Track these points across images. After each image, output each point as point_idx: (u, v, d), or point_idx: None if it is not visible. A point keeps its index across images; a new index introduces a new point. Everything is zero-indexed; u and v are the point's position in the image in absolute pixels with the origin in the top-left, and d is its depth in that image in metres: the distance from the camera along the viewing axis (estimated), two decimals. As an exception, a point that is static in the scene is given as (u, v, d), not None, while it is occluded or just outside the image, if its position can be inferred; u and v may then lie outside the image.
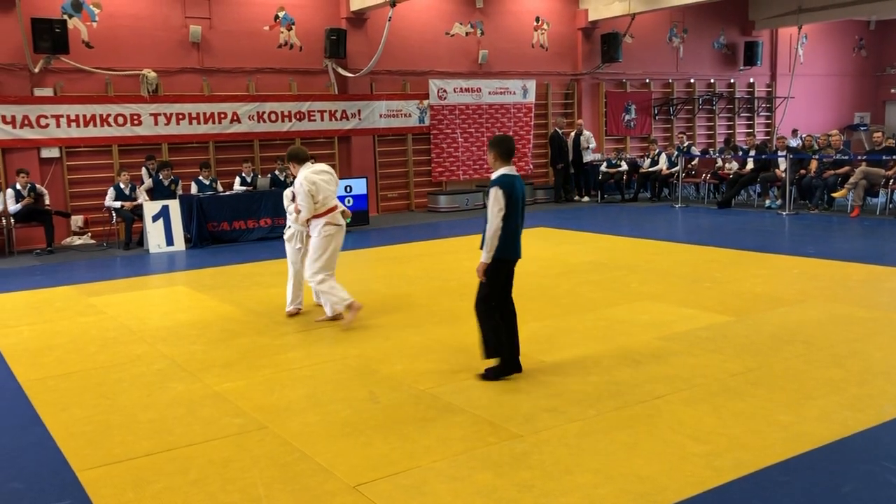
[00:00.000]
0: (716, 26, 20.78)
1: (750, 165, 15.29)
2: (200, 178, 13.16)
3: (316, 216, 6.92)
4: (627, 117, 19.40)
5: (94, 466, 4.14)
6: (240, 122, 14.26)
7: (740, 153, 16.40)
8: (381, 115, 15.86)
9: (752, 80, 21.61)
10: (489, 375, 5.32)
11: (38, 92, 12.69)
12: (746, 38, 21.20)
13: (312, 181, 6.84)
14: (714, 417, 4.52)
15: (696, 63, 20.53)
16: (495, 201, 5.13)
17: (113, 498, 3.77)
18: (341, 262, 10.73)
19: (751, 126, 21.72)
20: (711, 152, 17.66)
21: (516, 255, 5.33)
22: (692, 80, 20.45)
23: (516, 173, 5.35)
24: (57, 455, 4.32)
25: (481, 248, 5.25)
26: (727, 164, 15.86)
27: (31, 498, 3.81)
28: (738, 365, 5.46)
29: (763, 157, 15.17)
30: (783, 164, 14.16)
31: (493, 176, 5.31)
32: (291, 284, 7.43)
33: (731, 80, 21.24)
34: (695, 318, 6.74)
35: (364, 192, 13.87)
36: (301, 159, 7.05)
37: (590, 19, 18.15)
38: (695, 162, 16.72)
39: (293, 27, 14.89)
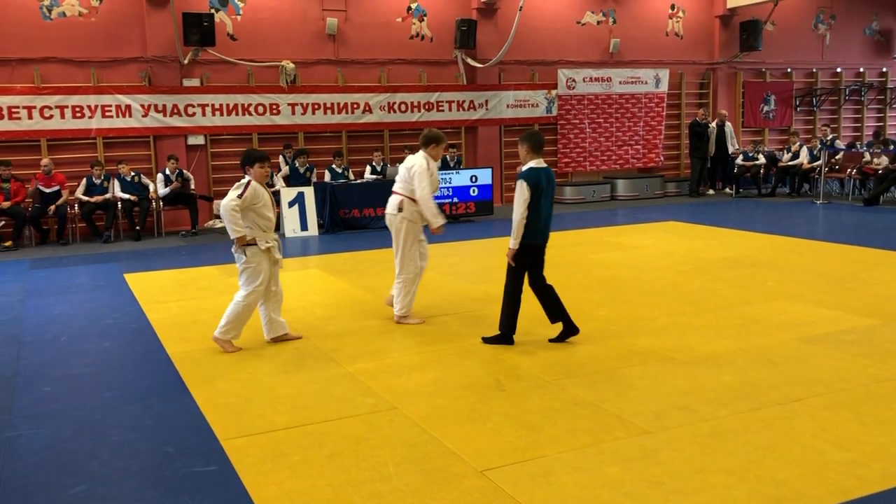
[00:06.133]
0: (868, 11, 19.49)
1: (902, 160, 14.30)
2: (333, 166, 13.60)
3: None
4: (766, 108, 18.53)
5: (236, 436, 4.39)
6: (371, 112, 14.61)
7: (891, 147, 15.34)
8: (508, 106, 15.85)
9: (906, 69, 20.17)
10: (489, 340, 6.03)
11: (186, 82, 13.46)
12: (902, 23, 19.80)
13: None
14: (858, 424, 4.29)
15: (843, 51, 19.34)
16: (520, 193, 5.74)
17: (254, 467, 3.99)
18: (467, 252, 10.88)
19: (904, 118, 20.29)
20: (858, 146, 16.62)
21: (540, 240, 5.92)
22: (839, 70, 19.29)
23: (544, 166, 5.84)
24: (203, 424, 4.61)
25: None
26: (875, 159, 14.89)
27: (183, 461, 4.09)
28: (885, 371, 5.15)
29: (917, 151, 14.14)
30: (940, 159, 13.15)
31: (522, 169, 5.87)
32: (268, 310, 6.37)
33: (884, 69, 19.88)
34: (837, 320, 6.40)
35: (489, 182, 13.92)
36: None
37: (728, 6, 17.44)
38: (839, 156, 15.80)
39: (425, 18, 15.10)
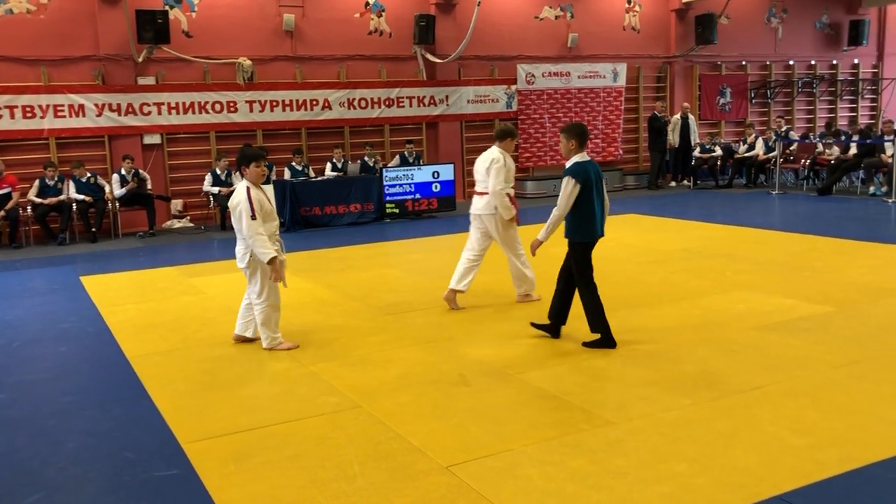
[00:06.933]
0: (818, 5, 19.87)
1: (853, 150, 14.61)
2: (293, 163, 13.48)
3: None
4: (722, 101, 18.80)
5: (197, 439, 4.32)
6: (331, 108, 14.50)
7: (843, 138, 15.68)
8: (468, 101, 15.85)
9: (856, 61, 20.58)
10: (590, 345, 5.67)
11: (141, 81, 13.22)
12: (852, 16, 20.19)
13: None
14: (816, 410, 4.37)
15: (795, 44, 19.69)
16: (567, 190, 5.56)
17: (216, 469, 3.93)
18: (430, 248, 10.87)
19: (854, 109, 20.72)
20: (811, 137, 16.95)
21: (595, 236, 5.68)
22: (791, 62, 19.63)
23: (588, 159, 5.67)
24: (163, 427, 4.53)
25: (565, 236, 5.77)
26: (828, 150, 15.21)
27: (143, 466, 4.01)
28: (841, 357, 5.25)
29: (868, 141, 14.47)
30: (890, 148, 13.47)
31: (568, 164, 5.68)
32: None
33: (834, 62, 20.28)
34: (794, 309, 6.52)
35: (451, 177, 13.90)
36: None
37: (683, 0, 17.66)
38: (793, 147, 16.09)
39: (383, 14, 15.02)
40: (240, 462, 4.00)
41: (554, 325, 5.94)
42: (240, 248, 5.95)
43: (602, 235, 5.76)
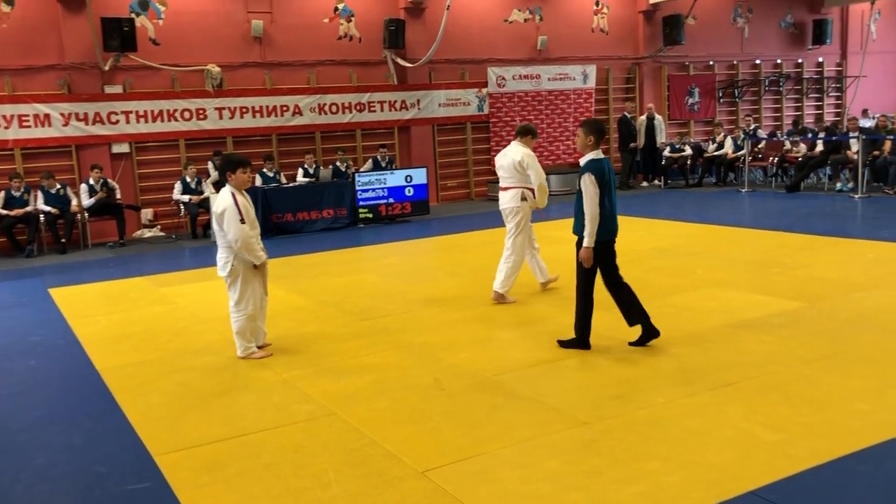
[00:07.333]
0: (782, 5, 20.15)
1: (819, 147, 14.82)
2: (264, 170, 13.39)
3: None
4: (691, 101, 18.99)
5: (170, 451, 4.27)
6: (301, 114, 14.44)
7: (809, 135, 15.90)
8: (440, 105, 15.86)
9: (821, 60, 20.89)
10: (565, 343, 5.69)
11: (108, 89, 13.06)
12: (815, 15, 20.50)
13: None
14: (787, 405, 4.41)
15: (761, 43, 19.95)
16: (590, 188, 5.39)
17: (189, 481, 3.89)
18: (405, 252, 10.85)
19: (820, 107, 21.03)
20: (779, 135, 17.17)
21: (610, 235, 5.57)
22: (758, 61, 19.89)
23: (603, 156, 5.57)
24: (135, 440, 4.47)
25: (574, 232, 5.59)
26: (795, 147, 15.42)
27: (115, 480, 3.96)
28: (811, 352, 5.32)
29: (834, 138, 14.68)
30: (855, 145, 13.68)
31: (583, 161, 5.54)
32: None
33: (799, 60, 20.57)
34: (765, 305, 6.59)
35: (424, 181, 13.89)
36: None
37: (651, 1, 17.81)
38: (762, 145, 16.29)
39: (352, 19, 14.99)
40: (213, 473, 3.96)
41: (644, 327, 5.63)
42: (221, 256, 5.91)
43: (615, 235, 5.59)
